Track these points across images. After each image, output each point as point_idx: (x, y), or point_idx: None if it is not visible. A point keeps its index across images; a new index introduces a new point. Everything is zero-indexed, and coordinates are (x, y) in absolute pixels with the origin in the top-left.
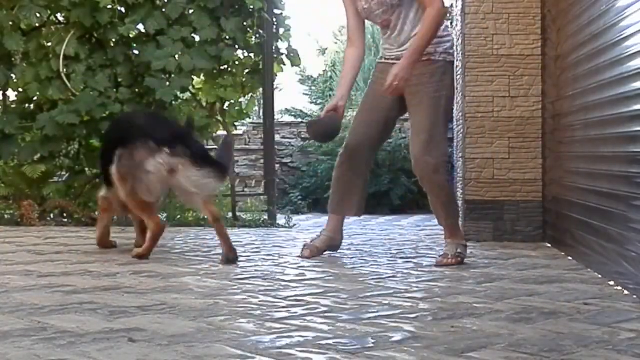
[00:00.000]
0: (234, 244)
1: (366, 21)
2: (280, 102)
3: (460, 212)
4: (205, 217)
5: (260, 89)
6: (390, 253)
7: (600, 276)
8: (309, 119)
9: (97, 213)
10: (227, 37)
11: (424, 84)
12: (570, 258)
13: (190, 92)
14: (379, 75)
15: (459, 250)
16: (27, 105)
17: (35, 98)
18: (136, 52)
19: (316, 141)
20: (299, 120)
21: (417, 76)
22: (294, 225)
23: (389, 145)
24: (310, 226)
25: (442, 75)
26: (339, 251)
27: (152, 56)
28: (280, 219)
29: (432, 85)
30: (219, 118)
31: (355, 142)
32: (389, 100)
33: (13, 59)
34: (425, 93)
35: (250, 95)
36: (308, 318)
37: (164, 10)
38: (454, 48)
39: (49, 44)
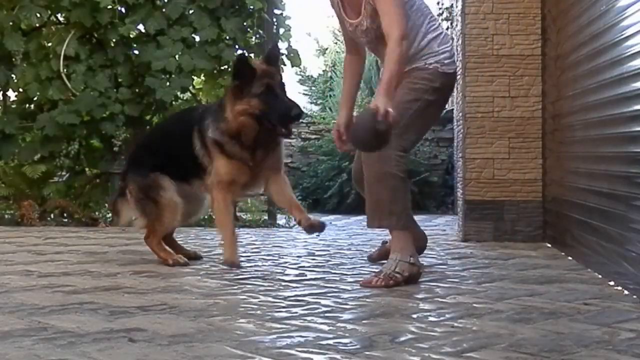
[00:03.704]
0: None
1: None
2: None
3: (460, 212)
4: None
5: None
6: None
7: (600, 276)
8: (309, 118)
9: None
10: (227, 37)
11: (406, 83)
12: (570, 258)
13: (190, 92)
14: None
15: (396, 270)
16: (27, 105)
17: (35, 98)
18: (136, 52)
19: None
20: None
21: (403, 81)
22: (294, 225)
23: None
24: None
25: (429, 81)
26: (338, 251)
27: (152, 56)
28: (280, 219)
29: (414, 84)
30: None
31: (358, 166)
32: None
33: (13, 59)
34: (403, 88)
35: None
36: (308, 318)
37: (164, 10)
38: (452, 57)
39: (49, 44)
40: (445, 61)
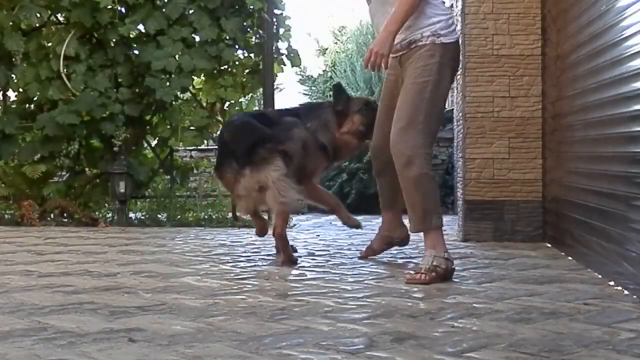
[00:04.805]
0: (234, 243)
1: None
2: (280, 102)
3: (460, 212)
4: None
5: (260, 89)
6: (391, 253)
7: (600, 276)
8: None
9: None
10: (227, 37)
11: (409, 70)
12: (570, 258)
13: (190, 92)
14: (388, 71)
15: (434, 263)
16: (27, 105)
17: (35, 98)
18: (136, 52)
19: None
20: None
21: (405, 64)
22: (294, 225)
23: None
24: (310, 226)
25: (429, 58)
26: (338, 251)
27: (152, 56)
28: None
29: (416, 70)
30: (219, 118)
31: (377, 142)
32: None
33: (13, 59)
34: (408, 79)
35: (250, 95)
36: (308, 318)
37: (164, 10)
38: (451, 27)
39: (49, 44)
40: (441, 31)
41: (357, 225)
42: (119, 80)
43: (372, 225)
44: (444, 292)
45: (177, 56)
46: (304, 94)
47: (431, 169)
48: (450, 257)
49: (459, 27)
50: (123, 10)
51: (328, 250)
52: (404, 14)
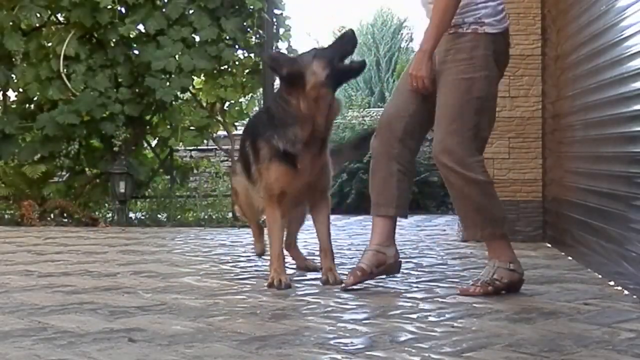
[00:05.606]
0: (234, 243)
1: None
2: None
3: None
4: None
5: (260, 89)
6: None
7: (600, 276)
8: None
9: None
10: (227, 37)
11: (449, 63)
12: (570, 258)
13: (190, 92)
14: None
15: (494, 276)
16: (27, 105)
17: (35, 98)
18: (136, 52)
19: None
20: None
21: (442, 52)
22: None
23: None
24: (310, 226)
25: (472, 51)
26: (338, 251)
27: (152, 56)
28: None
29: (457, 64)
30: (219, 118)
31: (388, 110)
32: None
33: (13, 59)
34: (449, 74)
35: (250, 95)
36: (308, 318)
37: (164, 10)
38: (499, 15)
39: (49, 44)
40: (485, 20)
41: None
42: (119, 80)
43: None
44: (444, 292)
45: (177, 56)
46: None
47: (488, 176)
48: (519, 267)
49: None
50: (123, 10)
51: None
52: (439, 25)
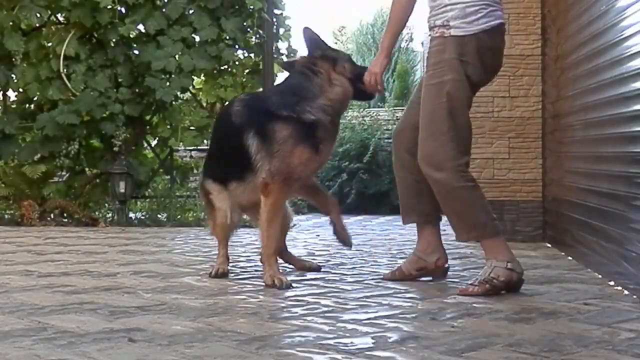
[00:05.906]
0: (234, 244)
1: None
2: None
3: None
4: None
5: (260, 89)
6: (390, 253)
7: (600, 276)
8: None
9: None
10: (227, 37)
11: (427, 69)
12: (570, 258)
13: (190, 92)
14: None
15: (491, 275)
16: (27, 105)
17: (35, 98)
18: (136, 52)
19: None
20: None
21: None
22: (294, 225)
23: (388, 145)
24: (310, 226)
25: (439, 54)
26: (338, 251)
27: (152, 56)
28: None
29: (429, 70)
30: None
31: (400, 125)
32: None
33: (13, 59)
34: (425, 80)
35: None
36: (308, 318)
37: (164, 10)
38: (469, 17)
39: (49, 44)
40: (452, 23)
41: (347, 243)
42: (119, 80)
43: (372, 225)
44: (444, 292)
45: (177, 56)
46: None
47: (469, 179)
48: (517, 266)
49: None
50: (123, 10)
51: (328, 250)
52: (394, 24)
